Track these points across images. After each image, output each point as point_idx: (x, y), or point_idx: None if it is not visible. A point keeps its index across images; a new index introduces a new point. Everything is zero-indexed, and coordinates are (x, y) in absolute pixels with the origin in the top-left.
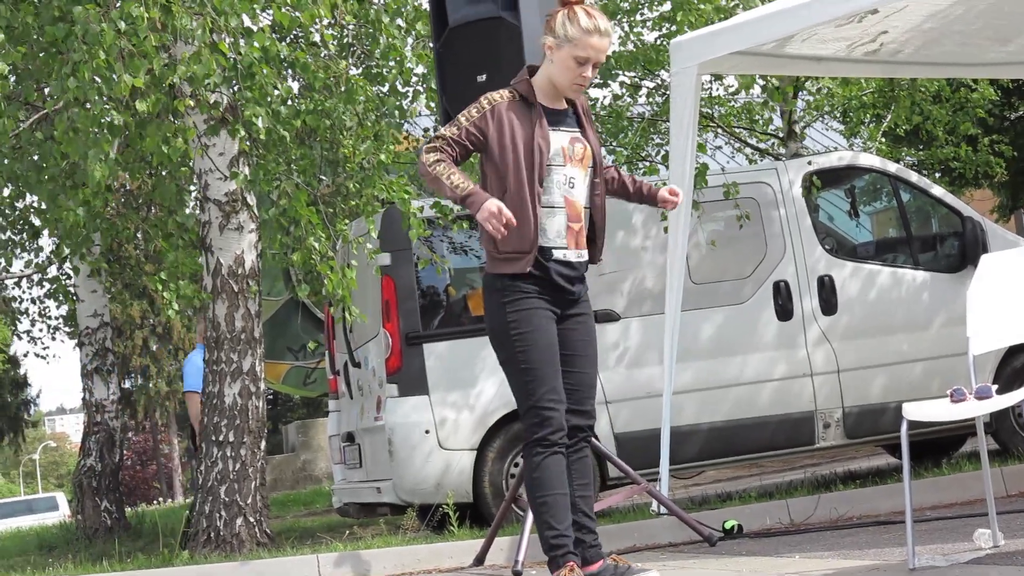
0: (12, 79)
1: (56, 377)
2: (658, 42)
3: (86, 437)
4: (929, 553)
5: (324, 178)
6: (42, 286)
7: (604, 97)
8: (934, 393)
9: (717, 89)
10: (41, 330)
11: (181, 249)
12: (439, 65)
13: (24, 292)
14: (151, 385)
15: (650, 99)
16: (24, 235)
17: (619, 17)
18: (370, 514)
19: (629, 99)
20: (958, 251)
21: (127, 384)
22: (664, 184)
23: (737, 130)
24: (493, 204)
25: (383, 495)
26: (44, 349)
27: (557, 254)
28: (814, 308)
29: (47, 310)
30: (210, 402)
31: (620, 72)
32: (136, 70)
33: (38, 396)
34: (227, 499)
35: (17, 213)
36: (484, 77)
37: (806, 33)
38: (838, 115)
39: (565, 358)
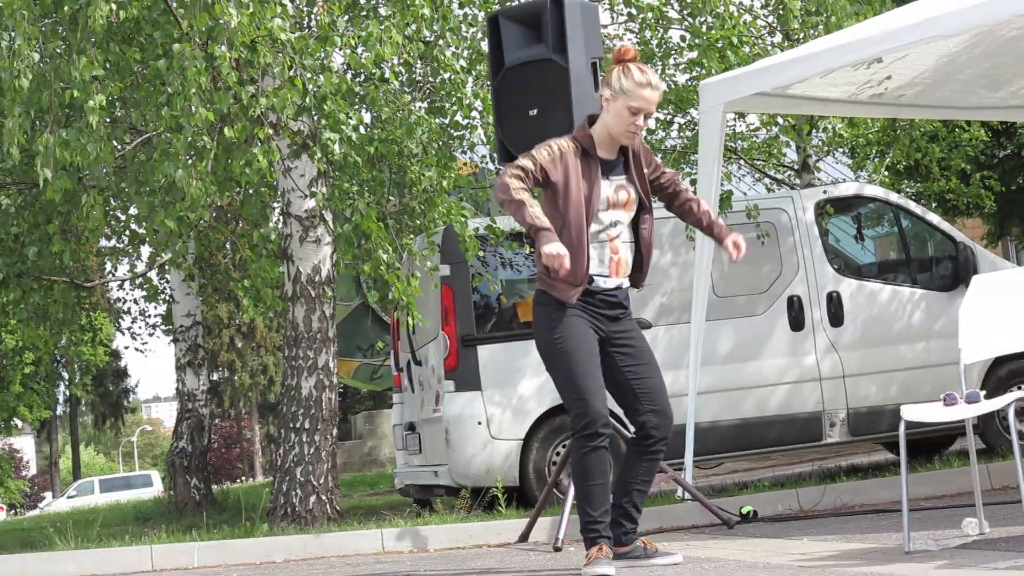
0: (118, 106)
1: (153, 369)
2: (689, 83)
3: (179, 422)
4: (922, 538)
5: (392, 198)
6: (143, 289)
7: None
8: (928, 397)
9: (740, 126)
10: (141, 327)
11: (264, 258)
12: (496, 100)
13: (128, 294)
14: (236, 378)
15: (681, 133)
16: (128, 244)
17: (654, 61)
18: (427, 495)
19: (663, 133)
20: (951, 272)
21: (215, 376)
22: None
23: (757, 162)
24: (558, 247)
25: (439, 478)
26: (143, 344)
27: (598, 281)
28: (823, 320)
29: (147, 310)
30: (288, 394)
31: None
32: (221, 103)
33: (136, 386)
34: (302, 479)
35: (121, 224)
36: (535, 111)
37: (819, 77)
38: (847, 151)
39: (631, 369)
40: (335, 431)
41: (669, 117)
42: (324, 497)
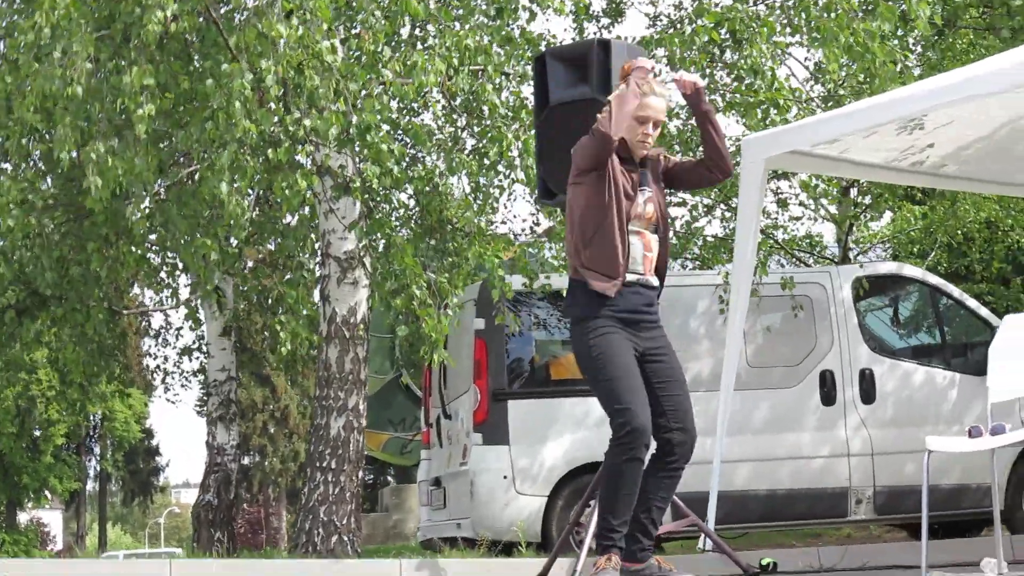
0: (165, 122)
1: (184, 454)
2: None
3: (207, 475)
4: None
5: (431, 263)
6: (175, 346)
7: (682, 216)
8: (959, 480)
9: (783, 218)
10: (172, 380)
11: (302, 287)
12: (538, 138)
13: (161, 350)
14: (267, 463)
15: (723, 221)
16: (167, 275)
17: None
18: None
19: (705, 221)
20: (986, 356)
21: (246, 461)
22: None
23: (799, 253)
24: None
25: (462, 530)
26: (175, 396)
27: (631, 277)
28: (855, 397)
29: (180, 364)
30: (316, 433)
31: (700, 198)
32: (265, 120)
33: (167, 465)
34: (325, 518)
35: (161, 260)
36: None
37: (860, 139)
38: (888, 250)
39: (661, 386)
40: (361, 473)
41: (713, 203)
42: (346, 538)
